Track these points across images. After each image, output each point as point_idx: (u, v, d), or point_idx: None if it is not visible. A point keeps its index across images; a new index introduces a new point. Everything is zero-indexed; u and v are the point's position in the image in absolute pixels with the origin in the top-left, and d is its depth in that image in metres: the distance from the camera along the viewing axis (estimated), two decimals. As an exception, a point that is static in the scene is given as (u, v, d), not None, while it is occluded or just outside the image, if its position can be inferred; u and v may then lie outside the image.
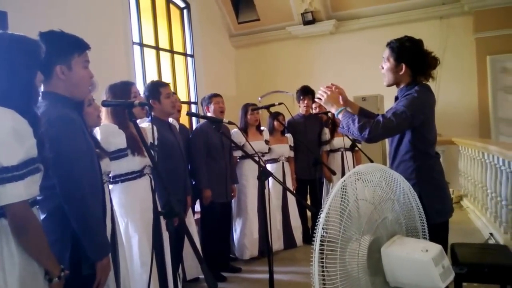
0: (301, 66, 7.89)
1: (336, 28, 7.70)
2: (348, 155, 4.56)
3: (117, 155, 2.49)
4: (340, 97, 2.28)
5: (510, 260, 2.44)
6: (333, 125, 4.57)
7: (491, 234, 4.15)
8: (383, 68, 2.23)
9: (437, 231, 2.04)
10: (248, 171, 4.26)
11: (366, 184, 1.65)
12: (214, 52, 7.95)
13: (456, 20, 7.02)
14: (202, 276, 3.61)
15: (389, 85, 2.28)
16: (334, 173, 3.34)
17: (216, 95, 4.06)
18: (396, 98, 2.22)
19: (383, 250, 1.60)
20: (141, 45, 6.40)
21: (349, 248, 1.59)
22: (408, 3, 7.19)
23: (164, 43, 6.99)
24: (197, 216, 4.03)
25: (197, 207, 4.05)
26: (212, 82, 7.50)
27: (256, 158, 3.66)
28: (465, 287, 2.55)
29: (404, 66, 2.14)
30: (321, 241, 1.50)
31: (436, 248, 1.55)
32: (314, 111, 4.66)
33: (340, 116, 2.16)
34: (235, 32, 8.49)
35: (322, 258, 1.49)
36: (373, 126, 2.04)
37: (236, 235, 4.34)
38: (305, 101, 4.75)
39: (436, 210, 2.08)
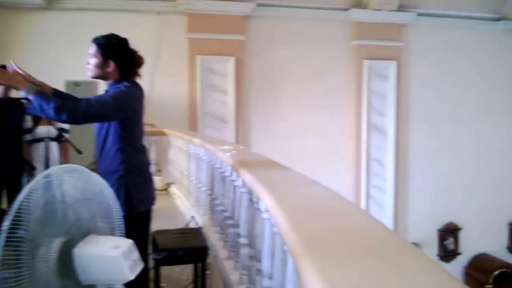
0: (3, 39, 6.74)
1: (49, 3, 6.93)
2: (54, 146, 4.16)
3: None
4: (22, 77, 2.10)
5: (200, 242, 2.77)
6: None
7: (192, 216, 4.63)
8: (88, 63, 2.23)
9: (142, 219, 2.29)
10: None
11: (60, 185, 1.63)
12: None
13: (172, 18, 7.46)
14: None
15: (94, 78, 2.32)
16: (34, 168, 2.99)
17: None
18: (106, 92, 2.26)
19: (76, 251, 1.60)
20: None
21: (38, 252, 1.54)
22: (127, -9, 7.18)
23: None
24: None
25: None
26: None
27: None
28: (166, 270, 2.76)
29: (112, 63, 2.20)
30: (10, 244, 1.43)
31: (126, 243, 1.66)
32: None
33: (31, 96, 2.00)
34: None
35: (16, 262, 1.45)
36: (73, 108, 2.01)
37: None
38: None
39: (141, 200, 2.25)
